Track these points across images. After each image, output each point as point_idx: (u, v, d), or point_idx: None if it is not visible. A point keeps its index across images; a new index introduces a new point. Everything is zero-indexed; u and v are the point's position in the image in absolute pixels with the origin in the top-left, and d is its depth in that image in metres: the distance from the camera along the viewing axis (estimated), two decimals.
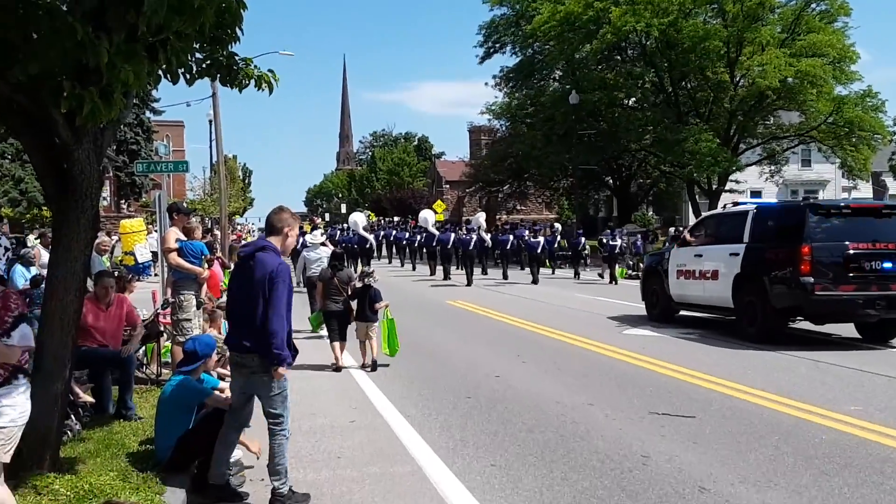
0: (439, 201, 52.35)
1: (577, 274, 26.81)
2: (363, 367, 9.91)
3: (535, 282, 23.45)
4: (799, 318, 11.70)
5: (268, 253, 4.82)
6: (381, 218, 65.90)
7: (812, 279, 10.89)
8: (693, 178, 36.19)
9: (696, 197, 38.54)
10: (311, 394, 8.15)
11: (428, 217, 29.21)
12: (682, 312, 14.26)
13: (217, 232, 28.70)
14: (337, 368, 9.84)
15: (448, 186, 78.15)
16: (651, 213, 54.82)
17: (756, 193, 45.69)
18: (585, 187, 47.72)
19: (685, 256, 13.66)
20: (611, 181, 47.67)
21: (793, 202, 12.75)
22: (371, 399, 8.07)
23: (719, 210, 14.94)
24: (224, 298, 11.38)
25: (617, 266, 25.37)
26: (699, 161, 33.16)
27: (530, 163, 42.25)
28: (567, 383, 8.70)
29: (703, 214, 15.47)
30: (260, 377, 4.75)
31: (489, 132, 56.62)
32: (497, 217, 58.73)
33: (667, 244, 17.86)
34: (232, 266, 12.33)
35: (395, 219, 60.51)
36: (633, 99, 39.84)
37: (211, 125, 36.02)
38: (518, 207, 58.64)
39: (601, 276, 24.88)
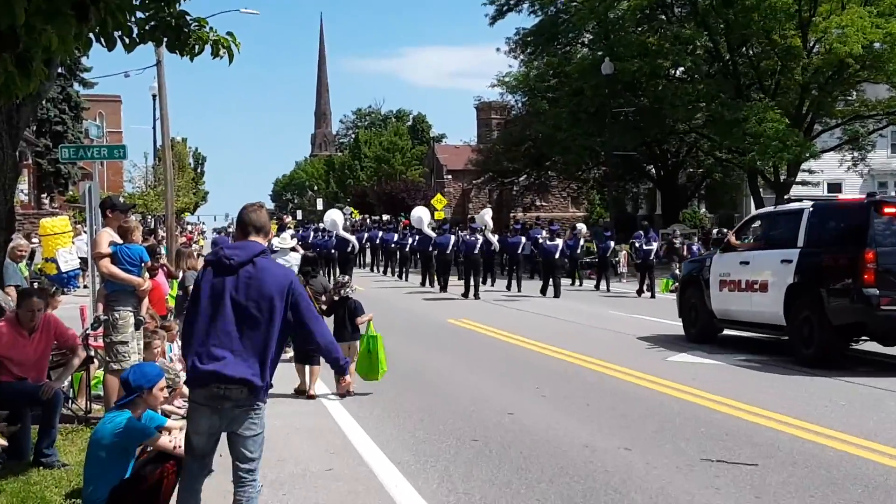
0: (439, 195, 52.75)
1: (599, 285, 26.96)
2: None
3: (555, 295, 23.72)
4: (863, 337, 11.86)
5: (269, 259, 4.94)
6: (366, 216, 66.62)
7: (877, 291, 11.00)
8: (756, 167, 36.26)
9: (760, 190, 38.57)
10: (279, 434, 8.12)
11: (422, 216, 29.59)
12: (727, 331, 14.42)
13: (162, 233, 28.94)
14: (301, 392, 10.20)
15: (450, 177, 78.36)
16: (703, 210, 54.84)
17: (835, 187, 45.71)
18: (622, 178, 47.95)
19: (729, 264, 13.92)
20: (653, 171, 47.88)
21: (856, 199, 13.10)
22: (353, 441, 8.08)
23: (770, 208, 15.33)
24: (172, 316, 11.57)
25: (656, 275, 25.38)
26: (763, 146, 33.19)
27: (553, 148, 42.36)
28: (598, 422, 8.72)
29: (751, 213, 15.90)
30: (244, 412, 4.78)
31: (501, 110, 56.85)
32: (511, 215, 59.02)
33: (709, 248, 17.90)
34: (184, 274, 12.45)
35: (384, 217, 61.49)
36: (682, 69, 40.00)
37: (155, 101, 35.77)
38: (537, 203, 58.80)
39: (640, 292, 24.85)
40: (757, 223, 14.74)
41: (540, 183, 51.88)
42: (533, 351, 13.88)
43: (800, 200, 13.58)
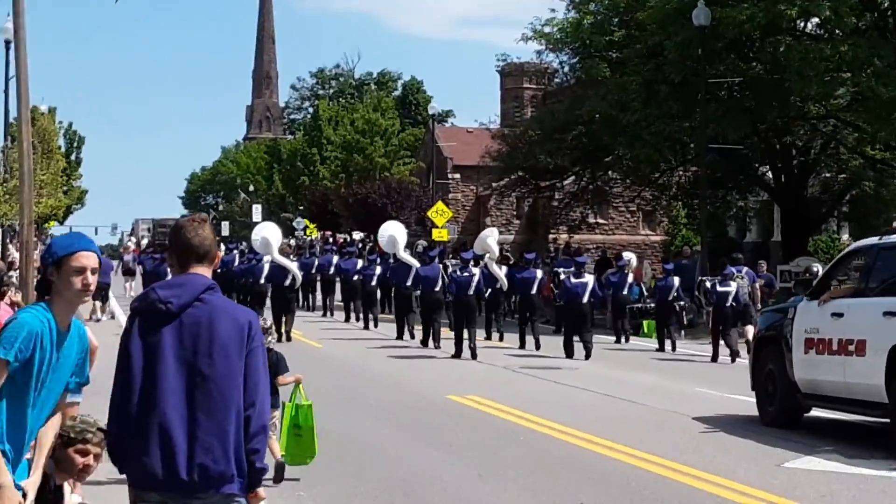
0: (440, 204, 53.72)
1: (662, 344, 28.32)
2: None
3: (586, 356, 24.60)
4: None
5: (220, 295, 5.28)
6: (327, 233, 67.38)
7: None
8: None
9: None
10: None
11: (395, 235, 29.97)
12: (815, 412, 15.29)
13: (13, 252, 29.87)
14: None
15: (458, 177, 79.07)
16: (846, 236, 54.09)
17: None
18: (721, 185, 47.37)
19: (818, 317, 14.66)
20: (770, 175, 47.48)
21: None
22: None
23: (874, 239, 16.17)
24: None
25: (747, 328, 26.28)
26: None
27: (616, 136, 41.99)
28: None
29: (850, 246, 17.07)
30: None
31: (539, 76, 58.32)
32: (551, 237, 59.19)
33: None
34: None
35: (356, 235, 62.15)
36: (816, 20, 39.57)
37: (8, 50, 35.74)
38: (591, 220, 58.04)
39: (714, 356, 25.61)
40: (858, 260, 15.72)
41: (595, 189, 51.20)
42: (574, 445, 14.10)
43: None
